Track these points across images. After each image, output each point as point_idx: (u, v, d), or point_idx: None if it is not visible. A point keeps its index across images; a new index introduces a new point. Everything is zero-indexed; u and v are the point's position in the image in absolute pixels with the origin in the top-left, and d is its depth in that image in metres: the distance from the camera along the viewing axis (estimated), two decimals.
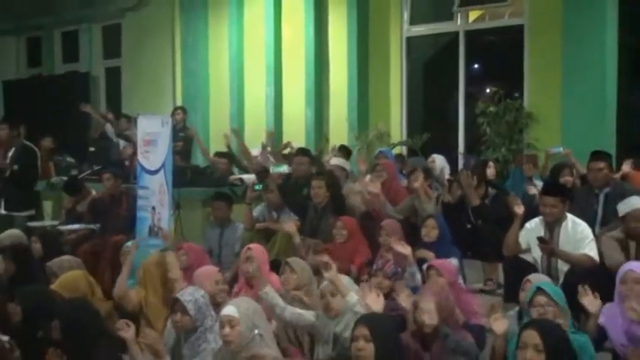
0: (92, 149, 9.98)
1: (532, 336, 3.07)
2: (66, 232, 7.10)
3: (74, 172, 8.84)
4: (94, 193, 7.66)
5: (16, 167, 8.06)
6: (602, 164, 5.91)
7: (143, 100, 11.10)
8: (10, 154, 8.19)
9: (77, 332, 3.78)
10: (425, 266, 4.76)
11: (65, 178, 8.40)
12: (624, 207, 4.97)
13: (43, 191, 8.70)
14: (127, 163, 8.59)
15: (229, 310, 3.52)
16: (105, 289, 5.24)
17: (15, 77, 13.56)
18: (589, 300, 3.87)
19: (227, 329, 3.46)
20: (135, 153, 7.22)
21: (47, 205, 8.63)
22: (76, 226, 7.23)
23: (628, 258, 4.75)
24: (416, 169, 6.33)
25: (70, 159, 9.96)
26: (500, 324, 2.56)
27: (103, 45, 12.43)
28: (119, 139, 9.63)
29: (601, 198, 5.75)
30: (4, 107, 12.94)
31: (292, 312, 4.23)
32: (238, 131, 8.92)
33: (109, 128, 9.90)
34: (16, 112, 10.54)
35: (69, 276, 4.85)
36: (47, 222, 7.95)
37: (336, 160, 7.24)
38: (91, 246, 6.66)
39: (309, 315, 4.19)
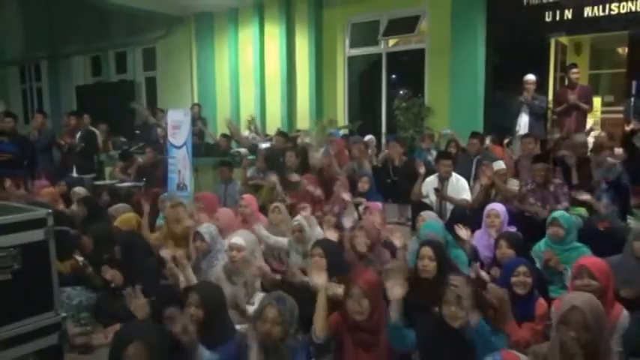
0: (137, 132, 9.82)
1: (426, 250, 3.11)
2: (121, 188, 7.06)
3: (125, 147, 8.71)
4: (139, 160, 7.59)
5: (83, 145, 7.94)
6: (475, 140, 6.04)
7: (171, 98, 10.88)
8: (77, 135, 8.08)
9: (132, 253, 3.80)
10: (361, 207, 4.84)
11: (119, 152, 8.29)
12: (496, 166, 5.10)
13: (104, 161, 8.56)
14: (161, 141, 8.48)
15: (237, 240, 3.52)
16: (150, 225, 5.23)
17: (83, 83, 13.24)
18: (463, 232, 3.90)
19: (235, 253, 3.48)
20: (166, 134, 7.14)
21: (107, 171, 8.50)
22: (127, 184, 7.17)
23: (489, 198, 4.88)
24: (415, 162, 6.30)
25: (122, 139, 9.84)
26: (396, 290, 2.43)
27: (143, 61, 12.11)
28: (157, 125, 9.50)
29: (474, 162, 5.87)
30: (77, 105, 12.62)
31: (274, 240, 4.29)
32: (231, 121, 8.74)
33: (151, 118, 9.74)
34: (85, 108, 10.28)
35: (124, 217, 4.83)
36: (107, 181, 7.84)
37: (306, 138, 7.24)
38: (138, 197, 6.61)
39: (284, 241, 4.25)
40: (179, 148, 6.59)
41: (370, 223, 3.93)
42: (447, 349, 2.01)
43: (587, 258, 3.04)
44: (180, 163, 6.56)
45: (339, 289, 2.44)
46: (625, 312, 2.71)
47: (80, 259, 3.98)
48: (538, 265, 3.52)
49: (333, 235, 3.88)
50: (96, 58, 13.20)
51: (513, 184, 5.04)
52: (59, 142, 8.22)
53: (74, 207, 5.50)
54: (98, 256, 4.07)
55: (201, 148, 7.90)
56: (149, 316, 2.58)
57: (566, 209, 4.45)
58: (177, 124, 6.64)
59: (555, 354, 2.05)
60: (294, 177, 5.94)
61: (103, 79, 12.89)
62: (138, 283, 2.86)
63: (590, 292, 2.54)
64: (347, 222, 4.21)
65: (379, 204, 5.02)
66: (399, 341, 2.43)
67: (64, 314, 2.54)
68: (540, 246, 3.81)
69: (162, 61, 11.48)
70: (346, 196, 5.02)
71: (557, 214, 3.85)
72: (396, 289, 2.34)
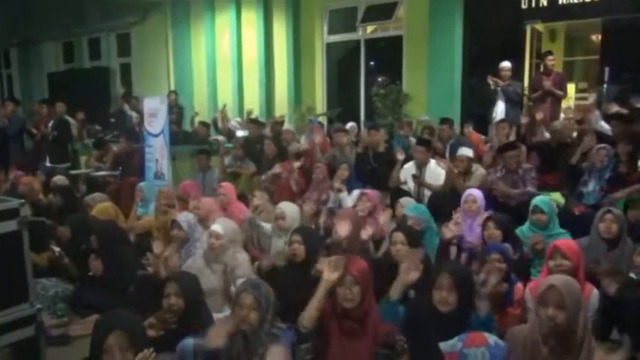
0: (112, 120, 9.65)
1: (399, 235, 3.15)
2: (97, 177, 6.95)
3: (100, 136, 8.55)
4: (114, 149, 7.47)
5: (55, 133, 7.77)
6: (445, 126, 6.10)
7: (147, 85, 10.65)
8: (50, 124, 7.91)
9: (108, 243, 3.74)
10: (355, 193, 4.86)
11: (94, 140, 8.14)
12: (459, 152, 5.16)
13: (79, 149, 8.40)
14: (137, 129, 8.36)
15: (217, 227, 3.51)
16: (125, 214, 5.17)
17: (55, 70, 12.88)
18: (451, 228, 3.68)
19: (213, 240, 3.47)
20: (142, 122, 7.04)
21: (83, 159, 8.35)
22: (103, 173, 7.05)
23: (453, 183, 4.91)
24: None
25: (97, 127, 9.65)
26: (412, 274, 2.52)
27: (118, 47, 11.83)
28: (132, 113, 9.35)
29: (447, 147, 5.93)
30: (49, 92, 12.32)
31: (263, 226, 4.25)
32: (220, 110, 8.65)
33: (126, 106, 9.58)
34: (57, 95, 10.03)
35: (101, 206, 4.76)
36: (83, 170, 7.69)
37: (287, 127, 7.21)
38: (115, 186, 6.52)
39: (268, 227, 4.23)
40: (156, 136, 6.51)
41: (351, 211, 3.95)
42: (432, 332, 2.04)
43: (560, 240, 3.13)
44: (157, 152, 6.48)
45: (333, 275, 2.42)
46: (595, 291, 2.83)
47: (56, 249, 3.91)
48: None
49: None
50: (68, 44, 12.85)
51: (479, 170, 5.07)
52: (30, 130, 8.04)
53: (51, 197, 5.39)
54: (75, 247, 4.01)
55: (179, 136, 7.82)
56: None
57: (532, 194, 4.51)
58: (153, 112, 6.55)
59: (534, 335, 2.09)
60: (276, 168, 5.90)
61: (75, 65, 12.58)
62: (117, 273, 2.82)
63: (563, 271, 2.62)
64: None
65: (356, 191, 5.04)
66: (391, 316, 2.50)
67: (39, 306, 2.49)
68: (523, 230, 3.86)
69: (138, 48, 11.23)
70: (339, 184, 5.04)
71: (537, 200, 3.88)
72: (411, 273, 2.52)
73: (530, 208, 3.86)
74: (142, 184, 5.54)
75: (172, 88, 10.26)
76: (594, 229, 3.50)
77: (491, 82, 6.89)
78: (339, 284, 2.44)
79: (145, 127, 6.69)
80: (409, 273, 2.55)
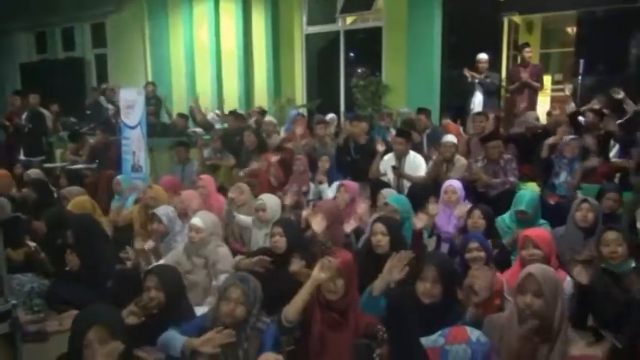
0: (88, 112, 9.46)
1: (379, 226, 3.15)
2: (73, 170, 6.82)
3: (76, 128, 8.38)
4: (90, 141, 7.33)
5: (30, 126, 7.59)
6: (421, 116, 6.14)
7: (123, 77, 10.43)
8: (24, 116, 7.72)
9: (85, 237, 3.67)
10: (335, 185, 4.87)
11: (69, 133, 7.98)
12: (444, 139, 5.19)
13: (55, 142, 8.22)
14: (113, 121, 8.22)
15: (197, 221, 3.47)
16: (102, 208, 5.09)
17: (27, 61, 12.53)
18: (432, 207, 3.90)
19: (194, 234, 3.43)
20: (119, 114, 6.92)
21: (57, 152, 8.18)
22: (79, 166, 6.92)
23: (442, 174, 4.96)
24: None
25: (72, 119, 9.44)
26: (394, 274, 2.57)
27: (92, 38, 11.56)
28: (109, 105, 9.18)
29: (424, 137, 5.97)
30: (22, 83, 12.01)
31: (242, 219, 4.23)
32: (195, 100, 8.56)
33: (102, 97, 9.40)
34: (30, 87, 9.78)
35: (78, 200, 4.66)
36: (58, 164, 7.55)
37: (268, 118, 7.14)
38: (91, 179, 6.41)
39: (248, 220, 4.21)
40: (133, 128, 6.41)
41: (329, 204, 3.95)
42: (414, 323, 2.05)
43: (531, 230, 3.19)
44: (134, 144, 6.38)
45: (322, 275, 2.42)
46: (568, 278, 2.86)
47: (32, 244, 3.84)
48: (503, 238, 3.61)
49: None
50: (41, 34, 12.50)
51: (460, 161, 5.12)
52: (3, 122, 7.84)
53: (25, 190, 5.28)
54: (51, 241, 3.93)
55: (157, 128, 7.71)
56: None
57: (513, 183, 4.60)
58: (130, 104, 6.45)
59: (512, 323, 2.13)
60: (253, 164, 5.86)
61: (49, 56, 12.27)
62: (94, 268, 2.78)
63: (536, 260, 2.67)
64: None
65: (337, 183, 5.04)
66: (373, 309, 2.52)
67: (14, 301, 2.45)
68: (504, 219, 3.90)
69: (113, 38, 10.99)
70: (320, 176, 5.03)
71: (524, 205, 3.74)
72: (395, 273, 2.55)
73: (516, 208, 3.80)
74: (119, 177, 5.47)
75: (150, 79, 10.08)
76: (571, 219, 3.57)
77: (468, 75, 6.95)
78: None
79: (122, 119, 6.58)
80: (392, 273, 2.57)
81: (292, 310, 2.40)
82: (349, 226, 3.81)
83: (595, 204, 3.58)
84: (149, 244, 3.54)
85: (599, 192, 4.06)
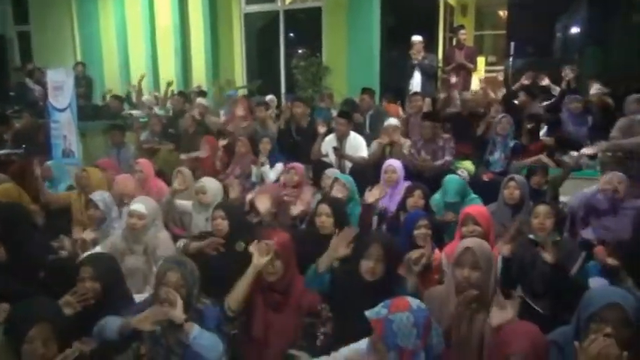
0: (12, 94, 8.87)
1: (324, 207, 3.16)
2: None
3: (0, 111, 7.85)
4: (17, 125, 6.90)
5: None
6: (365, 96, 6.20)
7: (50, 56, 9.82)
8: None
9: (12, 227, 3.46)
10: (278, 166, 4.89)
11: None
12: (387, 122, 5.26)
13: None
14: (41, 103, 7.75)
15: (139, 207, 3.34)
16: (31, 196, 4.82)
17: None
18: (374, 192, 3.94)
19: (135, 220, 3.32)
20: (46, 96, 6.53)
21: None
22: (4, 151, 6.50)
23: (384, 154, 5.05)
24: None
25: None
26: (341, 250, 2.68)
27: (13, 14, 10.79)
28: (35, 86, 8.65)
29: (367, 117, 6.04)
30: None
31: (180, 204, 4.13)
32: (133, 85, 8.27)
33: (27, 79, 8.83)
34: None
35: (3, 187, 4.38)
36: None
37: (201, 101, 6.98)
38: (18, 165, 6.03)
39: (188, 204, 4.12)
40: (62, 111, 6.08)
41: (273, 187, 3.94)
42: (356, 298, 2.10)
43: (472, 207, 3.33)
44: (64, 128, 6.07)
45: (262, 259, 2.42)
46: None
47: None
48: (436, 216, 3.74)
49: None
50: None
51: (407, 143, 5.24)
52: None
53: None
54: None
55: (88, 110, 7.35)
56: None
57: (450, 162, 4.78)
58: (58, 85, 6.10)
59: (450, 296, 2.23)
60: (201, 152, 5.72)
61: None
62: (23, 259, 2.64)
63: (475, 236, 2.79)
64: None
65: (279, 164, 5.03)
66: (317, 284, 2.58)
67: None
68: (436, 198, 4.03)
69: (37, 14, 10.30)
70: (264, 158, 5.02)
71: (447, 180, 3.99)
72: (340, 250, 2.66)
73: (445, 199, 3.92)
74: (49, 162, 5.20)
75: (79, 58, 9.59)
76: (500, 196, 3.76)
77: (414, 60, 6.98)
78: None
79: (50, 102, 6.23)
80: (338, 250, 2.65)
81: (235, 298, 2.42)
82: (296, 209, 3.81)
83: (522, 181, 3.76)
84: (89, 235, 3.40)
85: (529, 170, 4.27)
